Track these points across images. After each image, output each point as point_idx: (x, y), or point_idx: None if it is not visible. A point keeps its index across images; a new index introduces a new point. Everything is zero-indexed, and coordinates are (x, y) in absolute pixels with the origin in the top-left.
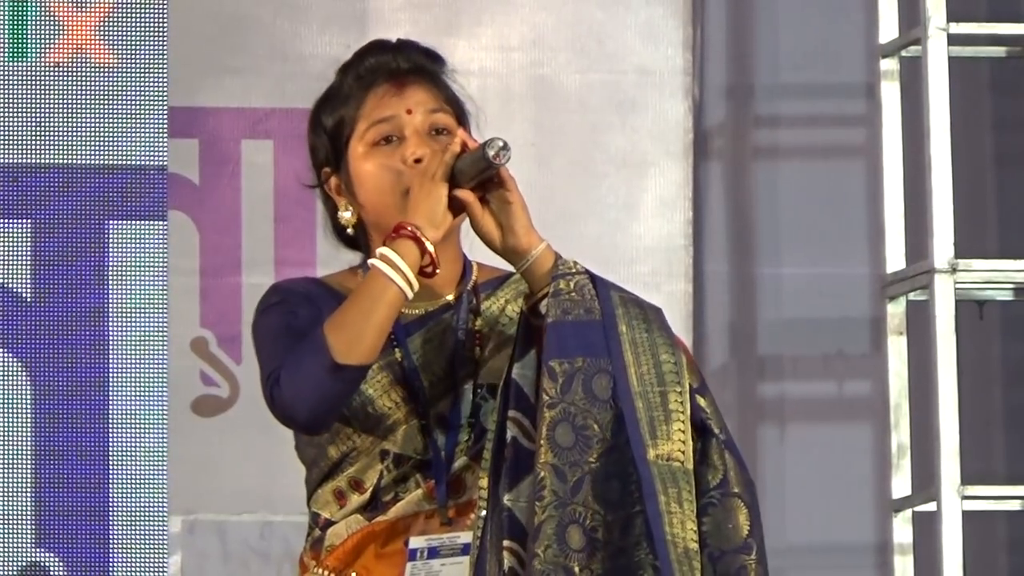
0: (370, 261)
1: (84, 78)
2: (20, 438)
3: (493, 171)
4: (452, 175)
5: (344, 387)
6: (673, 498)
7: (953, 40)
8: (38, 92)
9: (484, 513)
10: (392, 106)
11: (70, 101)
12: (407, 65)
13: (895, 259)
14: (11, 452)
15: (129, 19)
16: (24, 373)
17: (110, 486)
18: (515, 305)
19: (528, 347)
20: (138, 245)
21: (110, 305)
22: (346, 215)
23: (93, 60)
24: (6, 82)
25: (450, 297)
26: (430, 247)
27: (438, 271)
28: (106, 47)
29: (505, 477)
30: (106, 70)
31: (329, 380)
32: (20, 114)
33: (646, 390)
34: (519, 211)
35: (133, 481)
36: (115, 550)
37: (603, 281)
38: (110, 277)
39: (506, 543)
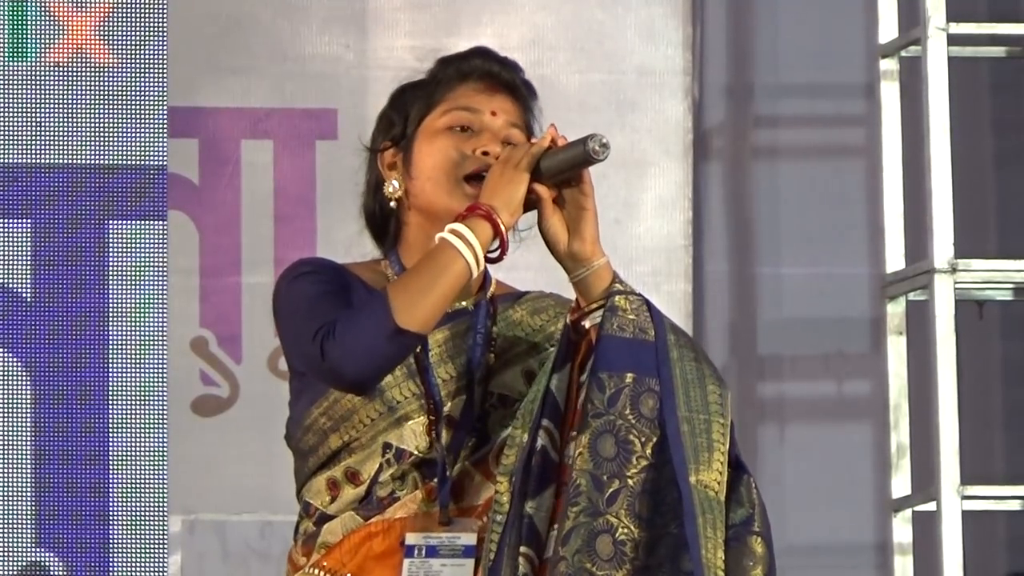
0: (439, 235)
1: (84, 78)
2: (20, 438)
3: (586, 167)
4: (535, 169)
5: (398, 352)
6: (709, 524)
7: (953, 40)
8: (38, 92)
9: (500, 518)
10: (480, 102)
11: (70, 101)
12: (507, 77)
13: (895, 259)
14: (11, 452)
15: (129, 19)
16: (24, 373)
17: (110, 486)
18: (531, 320)
19: (567, 360)
20: (138, 245)
21: (110, 305)
22: (394, 184)
23: (93, 60)
24: (6, 82)
25: (469, 303)
26: (504, 230)
27: (504, 257)
28: (106, 47)
29: (530, 485)
30: (106, 70)
31: (385, 342)
32: (20, 114)
33: (692, 416)
34: (592, 218)
35: (133, 482)
36: (115, 550)
37: (657, 309)
38: (110, 277)
39: (523, 549)
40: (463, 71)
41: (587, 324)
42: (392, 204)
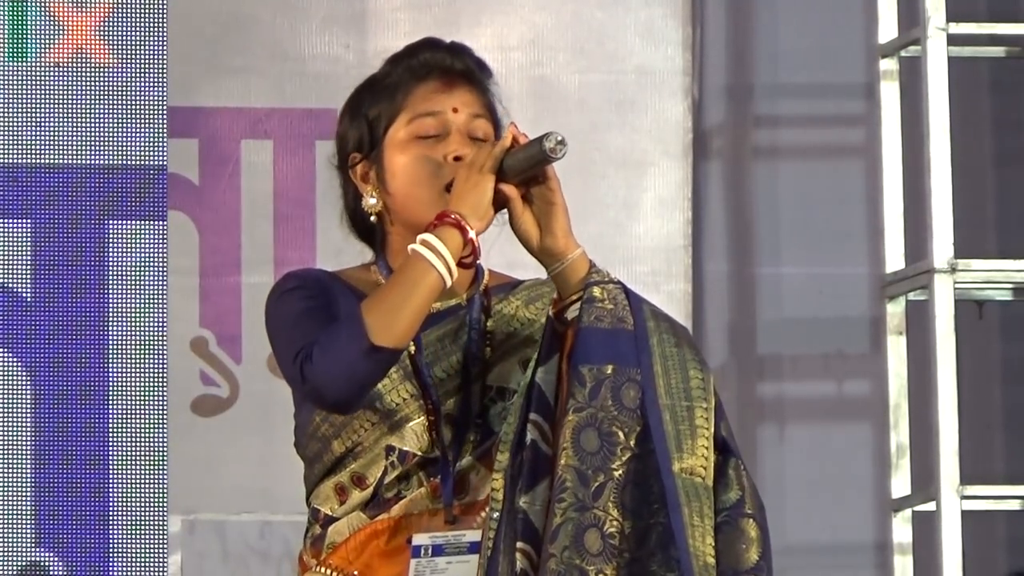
0: (411, 247)
1: (84, 78)
2: (20, 438)
3: (545, 166)
4: (499, 169)
5: (377, 368)
6: (695, 512)
7: (952, 40)
8: (38, 92)
9: (496, 514)
10: (440, 102)
11: (70, 101)
12: (460, 66)
13: (894, 259)
14: (11, 452)
15: (129, 19)
16: (24, 373)
17: (110, 487)
18: (526, 310)
19: (552, 352)
20: (138, 245)
21: (110, 305)
22: (371, 201)
23: (93, 60)
24: (6, 82)
25: (462, 298)
26: (473, 237)
27: (478, 262)
28: (106, 47)
29: (522, 480)
30: (106, 70)
31: (363, 361)
32: (20, 114)
33: (674, 403)
34: (560, 213)
35: (133, 482)
36: (115, 550)
37: (635, 294)
38: (110, 277)
39: (519, 545)
40: (416, 71)
41: (570, 316)
42: (373, 218)
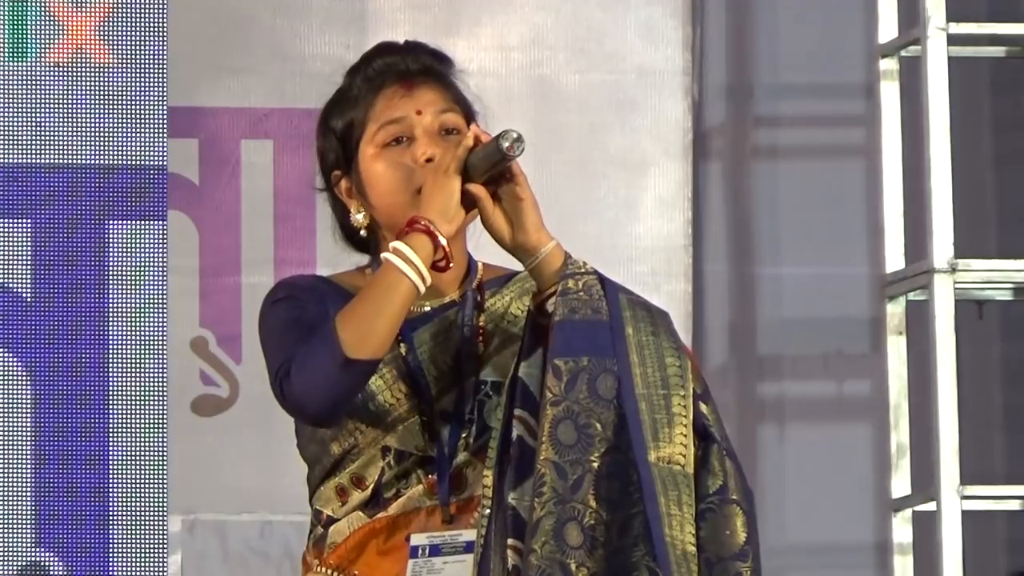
0: (383, 255)
1: (84, 78)
2: (20, 438)
3: (506, 164)
4: (465, 169)
5: (354, 381)
6: (673, 501)
7: (952, 40)
8: (38, 92)
9: (488, 511)
10: (402, 107)
11: (70, 101)
12: (416, 66)
13: (894, 259)
14: (11, 452)
15: (129, 19)
16: (24, 373)
17: (110, 487)
18: (519, 303)
19: (535, 346)
20: (138, 245)
21: (110, 305)
22: (358, 217)
23: (93, 60)
24: (6, 82)
25: (455, 295)
26: (443, 241)
27: (451, 265)
28: (106, 47)
29: (510, 476)
30: (106, 70)
31: (339, 374)
32: (20, 114)
33: (650, 392)
34: (530, 207)
35: (133, 482)
36: (115, 550)
37: (611, 283)
38: (110, 277)
39: (510, 541)
40: (373, 80)
41: (551, 309)
42: (363, 232)
